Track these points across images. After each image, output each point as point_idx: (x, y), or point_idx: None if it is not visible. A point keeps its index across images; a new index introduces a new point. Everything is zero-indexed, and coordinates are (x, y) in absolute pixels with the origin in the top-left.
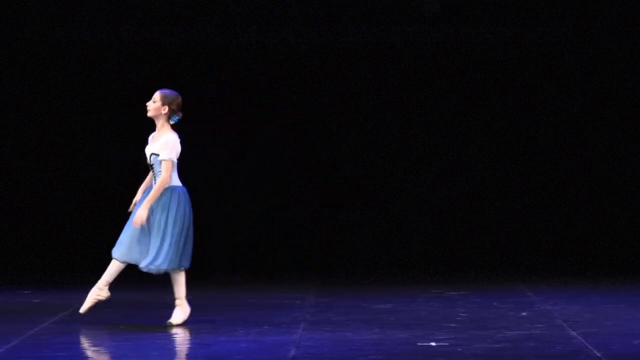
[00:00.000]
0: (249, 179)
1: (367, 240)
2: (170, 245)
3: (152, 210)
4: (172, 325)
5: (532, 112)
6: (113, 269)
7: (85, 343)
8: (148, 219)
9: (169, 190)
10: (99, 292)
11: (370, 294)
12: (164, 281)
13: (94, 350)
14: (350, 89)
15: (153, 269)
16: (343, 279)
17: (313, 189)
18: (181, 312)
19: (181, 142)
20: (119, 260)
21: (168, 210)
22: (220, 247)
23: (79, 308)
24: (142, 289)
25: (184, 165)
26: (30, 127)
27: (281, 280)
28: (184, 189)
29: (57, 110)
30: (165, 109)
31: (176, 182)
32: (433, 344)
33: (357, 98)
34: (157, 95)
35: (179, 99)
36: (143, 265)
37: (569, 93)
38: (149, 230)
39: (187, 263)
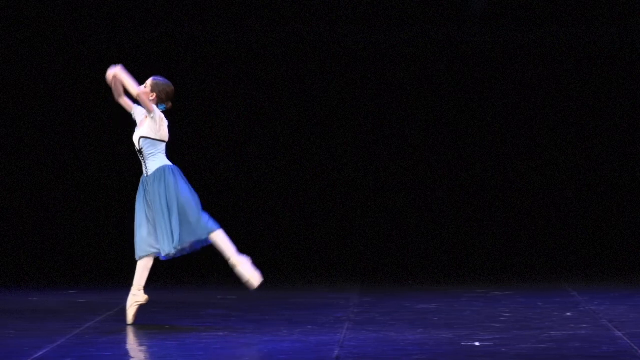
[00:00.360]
0: (249, 179)
1: (367, 240)
2: (181, 220)
3: (151, 199)
4: (254, 285)
5: (536, 112)
6: (139, 271)
7: (130, 342)
8: (149, 206)
9: (160, 171)
10: (135, 298)
11: (414, 293)
12: (210, 282)
13: (139, 350)
14: (350, 89)
15: (175, 251)
16: (387, 279)
17: (313, 189)
18: (246, 267)
19: (181, 142)
20: (141, 259)
21: (166, 189)
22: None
23: (124, 308)
24: (188, 290)
25: (183, 165)
26: (30, 127)
27: (281, 280)
28: (176, 166)
29: (57, 110)
30: (153, 96)
31: (166, 161)
32: (477, 344)
33: (357, 98)
34: (148, 81)
35: (170, 89)
36: (166, 250)
37: (569, 93)
38: (154, 217)
39: (216, 224)
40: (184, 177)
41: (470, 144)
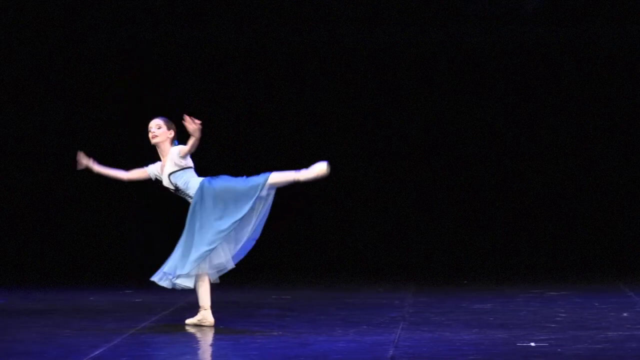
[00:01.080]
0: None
1: (367, 240)
2: (236, 205)
3: (201, 217)
4: (324, 170)
5: (536, 112)
6: (201, 290)
7: (185, 342)
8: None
9: (198, 190)
10: (198, 317)
11: (469, 294)
12: (266, 283)
13: (194, 350)
14: (350, 89)
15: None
16: (441, 279)
17: (313, 189)
18: (308, 172)
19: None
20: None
21: (206, 200)
22: None
23: (179, 308)
24: (242, 289)
25: None
26: (30, 127)
27: (279, 280)
28: (205, 180)
29: (57, 110)
30: (172, 133)
31: (199, 179)
32: (532, 344)
33: (357, 98)
34: (159, 122)
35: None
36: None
37: (569, 93)
38: (197, 233)
39: (262, 175)
40: (217, 177)
41: (470, 144)
